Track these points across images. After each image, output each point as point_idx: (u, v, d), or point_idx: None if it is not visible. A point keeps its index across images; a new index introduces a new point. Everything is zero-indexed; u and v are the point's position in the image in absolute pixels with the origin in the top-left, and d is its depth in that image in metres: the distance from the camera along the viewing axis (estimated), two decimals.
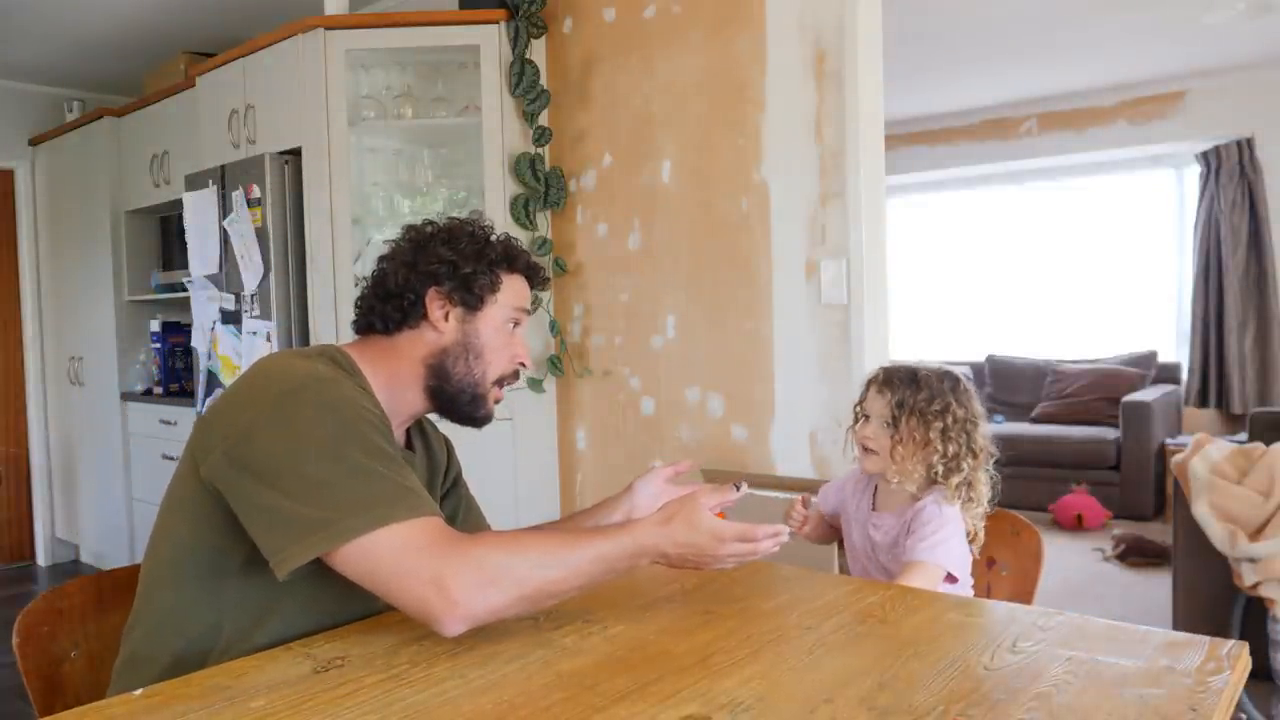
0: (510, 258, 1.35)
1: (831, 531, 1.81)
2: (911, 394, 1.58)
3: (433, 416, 1.40)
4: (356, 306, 1.35)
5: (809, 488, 2.41)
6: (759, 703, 0.92)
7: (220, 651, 1.12)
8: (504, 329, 1.35)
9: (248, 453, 1.08)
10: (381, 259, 1.36)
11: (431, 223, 1.36)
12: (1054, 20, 4.29)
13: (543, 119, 3.02)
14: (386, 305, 1.31)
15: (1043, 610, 1.19)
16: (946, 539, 1.51)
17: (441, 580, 1.03)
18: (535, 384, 3.01)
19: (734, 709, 0.90)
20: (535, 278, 1.41)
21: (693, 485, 1.58)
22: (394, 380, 1.30)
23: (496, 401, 1.37)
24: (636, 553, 1.15)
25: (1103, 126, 5.78)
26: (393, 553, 1.04)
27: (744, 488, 1.25)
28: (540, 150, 2.99)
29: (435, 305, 1.30)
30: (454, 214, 1.41)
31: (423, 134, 3.16)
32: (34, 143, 4.86)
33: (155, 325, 4.30)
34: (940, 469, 1.55)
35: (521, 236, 2.97)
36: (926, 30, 4.37)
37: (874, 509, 1.67)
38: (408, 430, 1.39)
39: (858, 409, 1.66)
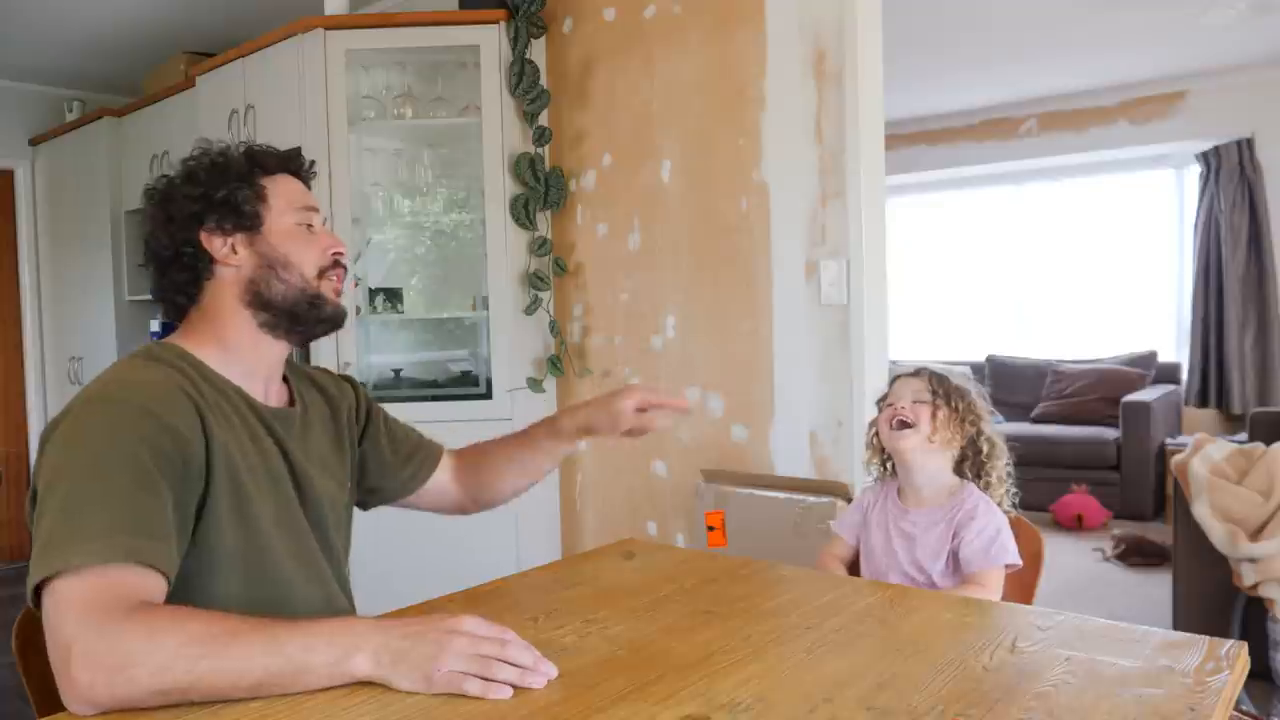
0: (260, 162, 1.25)
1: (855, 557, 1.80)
2: (939, 382, 1.67)
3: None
4: (152, 293, 1.26)
5: (809, 488, 2.41)
6: (759, 703, 0.91)
7: None
8: (298, 232, 1.25)
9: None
10: (144, 235, 1.26)
11: (165, 176, 1.26)
12: (1054, 20, 4.29)
13: (543, 119, 3.01)
14: (170, 274, 1.22)
15: (1042, 610, 1.19)
16: (1006, 537, 1.58)
17: (70, 653, 0.89)
18: (535, 384, 3.01)
19: (734, 709, 0.90)
20: (298, 169, 1.30)
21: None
22: (227, 340, 1.22)
23: (337, 294, 1.28)
24: (341, 633, 0.94)
25: (1103, 126, 5.78)
26: (53, 604, 0.93)
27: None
28: (540, 150, 2.99)
29: (216, 243, 1.21)
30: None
31: (423, 134, 3.16)
32: (34, 143, 4.86)
33: (155, 325, 4.29)
34: (970, 452, 1.65)
35: (521, 236, 2.97)
36: (927, 30, 4.37)
37: (904, 508, 1.68)
38: (287, 383, 1.32)
39: (881, 403, 1.72)
